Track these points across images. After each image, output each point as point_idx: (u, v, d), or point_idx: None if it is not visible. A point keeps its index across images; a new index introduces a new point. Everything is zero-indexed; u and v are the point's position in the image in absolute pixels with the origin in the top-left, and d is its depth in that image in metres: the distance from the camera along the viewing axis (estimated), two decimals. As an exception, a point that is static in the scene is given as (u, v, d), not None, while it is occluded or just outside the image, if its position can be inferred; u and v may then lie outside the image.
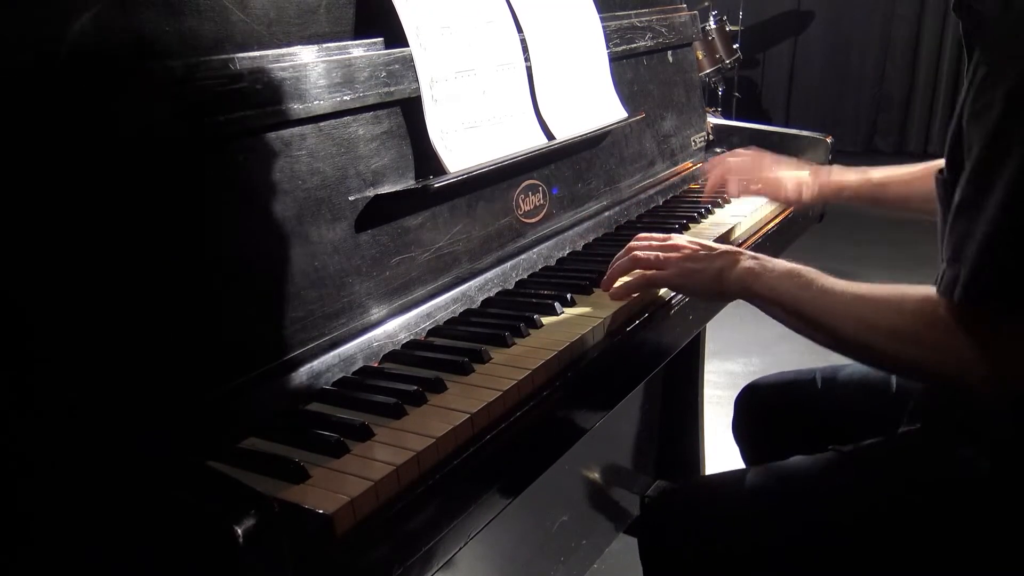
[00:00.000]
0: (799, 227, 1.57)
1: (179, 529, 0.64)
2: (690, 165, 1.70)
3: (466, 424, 0.80)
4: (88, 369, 0.70)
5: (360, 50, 1.00)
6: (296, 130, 0.91)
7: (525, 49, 1.24)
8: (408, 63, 1.04)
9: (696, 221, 1.42)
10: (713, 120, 1.85)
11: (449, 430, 0.78)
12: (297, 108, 0.90)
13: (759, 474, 1.07)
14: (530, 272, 1.21)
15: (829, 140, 1.78)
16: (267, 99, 0.86)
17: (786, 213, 1.54)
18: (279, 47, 0.91)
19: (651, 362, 1.11)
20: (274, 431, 0.80)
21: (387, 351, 0.97)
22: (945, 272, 0.81)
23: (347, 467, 0.72)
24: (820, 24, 6.00)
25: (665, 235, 1.11)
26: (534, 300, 1.09)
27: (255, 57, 0.87)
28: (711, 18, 4.43)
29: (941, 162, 1.26)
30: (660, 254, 1.06)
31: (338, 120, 0.96)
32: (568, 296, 1.07)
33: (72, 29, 0.74)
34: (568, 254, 1.29)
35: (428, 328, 1.03)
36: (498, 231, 1.18)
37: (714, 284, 1.02)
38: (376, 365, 0.95)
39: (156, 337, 0.75)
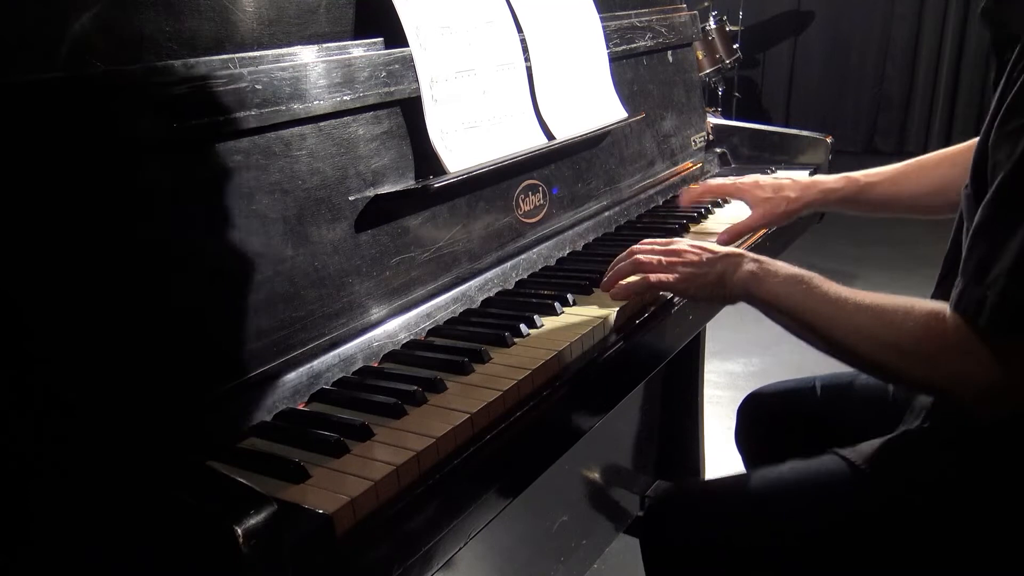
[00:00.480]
0: (799, 227, 1.57)
1: (179, 529, 0.64)
2: (690, 165, 1.70)
3: (466, 424, 0.80)
4: (88, 369, 0.70)
5: (360, 50, 1.00)
6: (296, 130, 0.91)
7: (525, 49, 1.24)
8: (408, 63, 1.04)
9: (696, 221, 1.42)
10: (713, 120, 1.85)
11: (449, 430, 0.78)
12: (297, 108, 0.90)
13: (761, 476, 1.07)
14: (530, 272, 1.21)
15: (829, 140, 1.78)
16: (267, 99, 0.86)
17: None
18: (279, 47, 0.91)
19: (651, 362, 1.11)
20: (274, 431, 0.80)
21: (387, 351, 0.97)
22: (965, 290, 0.80)
23: (347, 467, 0.72)
24: (820, 24, 6.00)
25: (668, 239, 1.11)
26: (534, 300, 1.09)
27: (255, 57, 0.87)
28: (711, 18, 4.43)
29: (928, 156, 1.26)
30: (662, 258, 1.06)
31: (338, 120, 0.96)
32: (568, 296, 1.07)
33: (72, 29, 0.74)
34: (568, 254, 1.29)
35: (428, 328, 1.03)
36: (498, 231, 1.18)
37: (716, 288, 1.02)
38: (376, 365, 0.95)
39: (156, 337, 0.75)
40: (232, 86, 0.83)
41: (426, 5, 1.08)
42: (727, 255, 1.03)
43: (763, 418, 1.35)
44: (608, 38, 1.44)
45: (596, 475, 1.83)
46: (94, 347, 0.71)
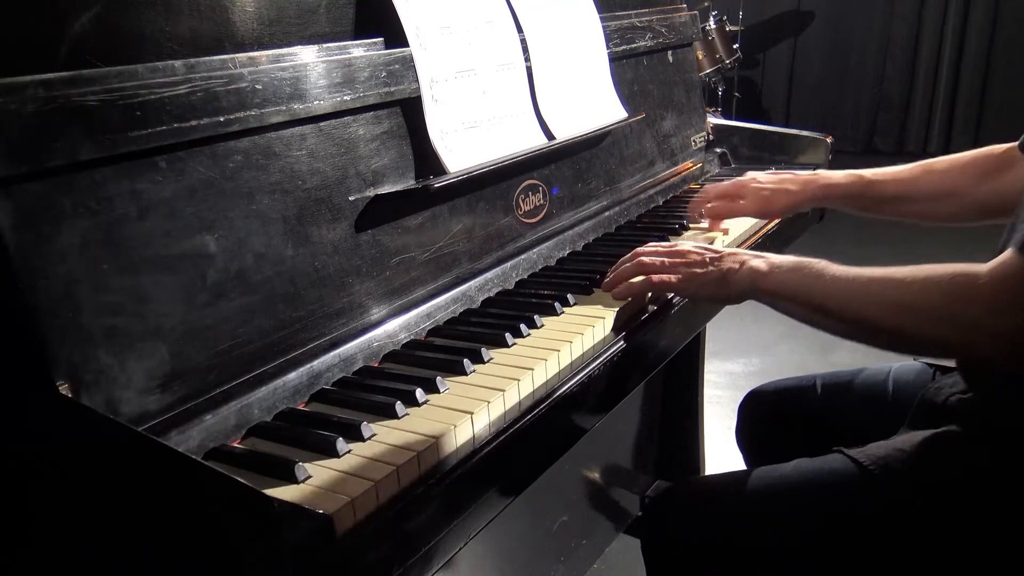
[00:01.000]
0: (799, 227, 1.57)
1: (179, 529, 0.64)
2: (690, 165, 1.70)
3: (466, 425, 0.80)
4: (87, 368, 0.70)
5: (360, 50, 1.00)
6: (296, 130, 0.91)
7: (525, 49, 1.24)
8: (408, 63, 1.04)
9: (696, 221, 1.42)
10: (713, 120, 1.85)
11: (449, 430, 0.78)
12: (297, 108, 0.90)
13: (764, 474, 1.07)
14: (530, 272, 1.21)
15: (829, 140, 1.78)
16: (267, 99, 0.86)
17: (786, 213, 1.54)
18: (279, 47, 0.91)
19: (651, 362, 1.11)
20: (274, 431, 0.80)
21: (387, 351, 0.97)
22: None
23: (347, 467, 0.72)
24: (820, 24, 6.00)
25: (672, 243, 1.11)
26: (534, 300, 1.09)
27: (255, 57, 0.87)
28: (711, 18, 4.43)
29: (936, 161, 1.25)
30: (666, 260, 1.06)
31: (338, 120, 0.96)
32: (568, 296, 1.07)
33: (72, 29, 0.74)
34: (568, 254, 1.29)
35: (428, 328, 1.03)
36: (498, 231, 1.18)
37: (719, 287, 1.02)
38: (376, 365, 0.95)
39: (155, 338, 0.75)
40: (232, 86, 0.83)
41: (426, 5, 1.08)
42: (730, 254, 1.03)
43: (764, 416, 1.35)
44: (608, 38, 1.44)
45: (596, 475, 1.83)
46: (94, 346, 0.71)
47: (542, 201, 1.27)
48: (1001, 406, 0.96)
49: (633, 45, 1.53)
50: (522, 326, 0.99)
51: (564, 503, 1.71)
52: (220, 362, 0.80)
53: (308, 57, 0.92)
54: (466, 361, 0.90)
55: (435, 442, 0.76)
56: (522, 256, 1.21)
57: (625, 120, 1.42)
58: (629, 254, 1.10)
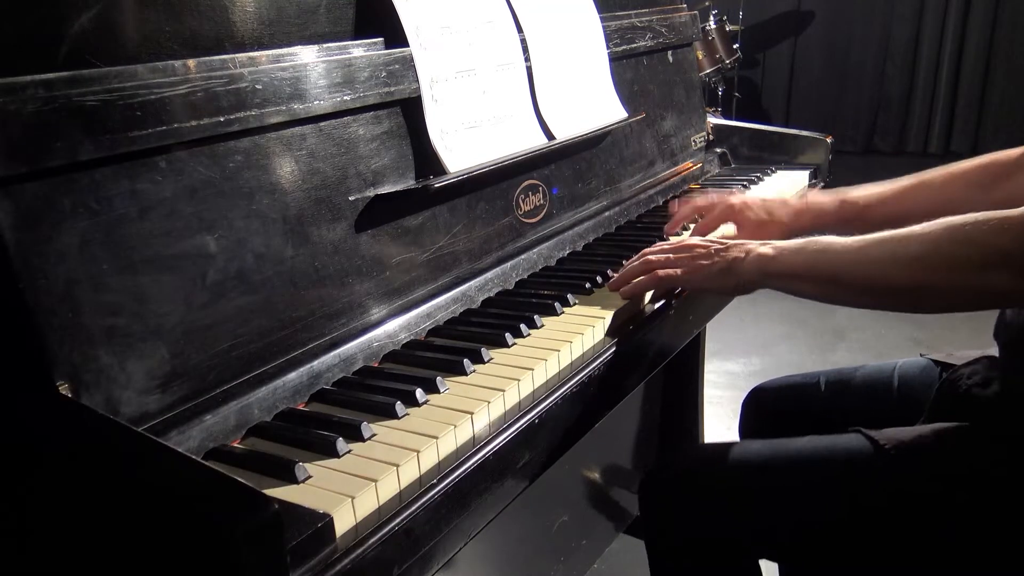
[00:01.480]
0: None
1: (179, 529, 0.64)
2: (690, 165, 1.70)
3: (466, 425, 0.80)
4: (87, 368, 0.70)
5: (360, 50, 1.00)
6: (296, 130, 0.91)
7: (525, 49, 1.24)
8: (408, 63, 1.04)
9: (695, 221, 1.42)
10: (713, 120, 1.85)
11: (449, 430, 0.78)
12: (297, 108, 0.90)
13: (775, 446, 1.07)
14: (530, 272, 1.21)
15: (829, 140, 1.78)
16: (267, 99, 0.86)
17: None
18: (279, 47, 0.91)
19: (652, 362, 1.11)
20: (274, 431, 0.80)
21: (387, 351, 0.97)
22: None
23: (347, 467, 0.72)
24: (820, 24, 6.00)
25: (679, 241, 1.10)
26: (534, 300, 1.09)
27: (255, 57, 0.87)
28: (711, 18, 4.43)
29: (932, 173, 1.19)
30: (671, 255, 1.06)
31: (338, 120, 0.96)
32: (568, 297, 1.07)
33: (72, 29, 0.74)
34: (568, 254, 1.29)
35: (428, 328, 1.03)
36: (498, 231, 1.18)
37: (727, 276, 1.02)
38: (376, 365, 0.95)
39: (155, 338, 0.75)
40: (232, 86, 0.83)
41: (426, 5, 1.08)
42: (736, 244, 1.04)
43: (768, 412, 1.35)
44: (608, 38, 1.44)
45: (596, 475, 1.83)
46: (92, 344, 0.71)
47: (542, 201, 1.27)
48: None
49: (633, 45, 1.53)
50: (522, 326, 0.99)
51: (564, 503, 1.71)
52: (220, 362, 0.80)
53: (308, 57, 0.92)
54: (466, 361, 0.90)
55: (435, 442, 0.76)
56: (522, 256, 1.21)
57: (625, 120, 1.42)
58: (637, 255, 1.10)
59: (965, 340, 2.83)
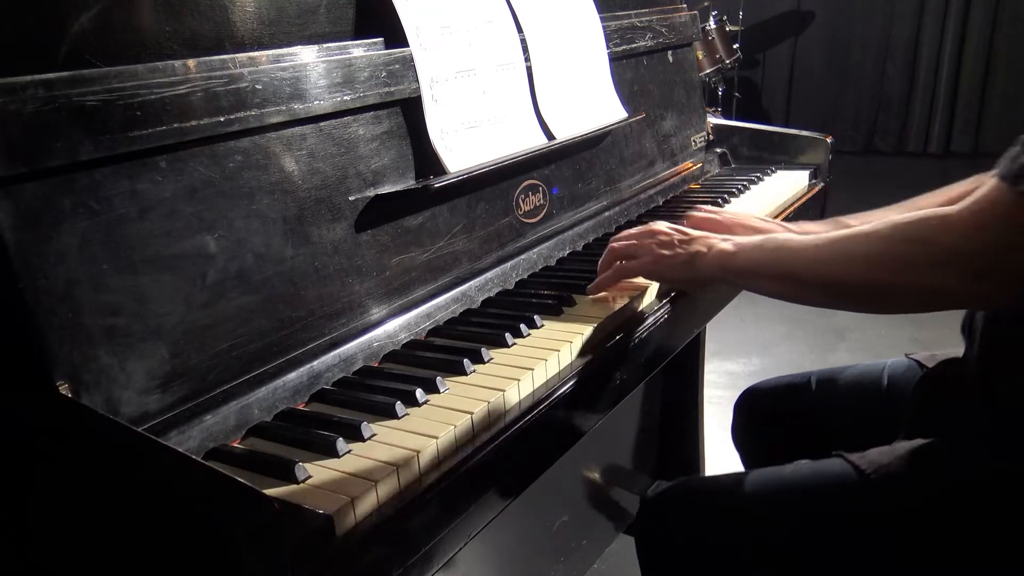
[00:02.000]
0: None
1: (179, 529, 0.64)
2: (690, 165, 1.70)
3: (467, 425, 0.80)
4: (87, 368, 0.70)
5: (360, 50, 1.00)
6: (296, 130, 0.91)
7: (525, 49, 1.24)
8: (408, 63, 1.04)
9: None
10: (713, 120, 1.85)
11: (449, 430, 0.78)
12: (297, 108, 0.90)
13: (761, 476, 1.07)
14: (530, 272, 1.21)
15: (829, 140, 1.78)
16: (267, 99, 0.86)
17: (786, 212, 1.54)
18: (279, 47, 0.91)
19: (651, 362, 1.11)
20: (274, 431, 0.80)
21: (387, 351, 0.97)
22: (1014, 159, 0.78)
23: (347, 467, 0.72)
24: (820, 24, 6.00)
25: (646, 225, 1.10)
26: (534, 300, 1.09)
27: (255, 57, 0.87)
28: (711, 18, 4.44)
29: (924, 199, 1.15)
30: (635, 241, 1.06)
31: (338, 120, 0.96)
32: (568, 296, 1.07)
33: (72, 29, 0.74)
34: (568, 254, 1.29)
35: (428, 328, 1.03)
36: (498, 231, 1.18)
37: (688, 270, 1.02)
38: (376, 365, 0.95)
39: (155, 338, 0.75)
40: (232, 86, 0.83)
41: (426, 5, 1.08)
42: (701, 237, 1.03)
43: (759, 414, 1.35)
44: (608, 38, 1.44)
45: (596, 475, 1.83)
46: (92, 343, 0.71)
47: (542, 201, 1.27)
48: (1003, 415, 0.96)
49: (633, 45, 1.53)
50: (522, 326, 0.99)
51: (564, 503, 1.71)
52: (220, 362, 0.80)
53: (308, 57, 0.92)
54: (466, 361, 0.90)
55: (435, 442, 0.76)
56: (522, 256, 1.21)
57: (625, 120, 1.42)
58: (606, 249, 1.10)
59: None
